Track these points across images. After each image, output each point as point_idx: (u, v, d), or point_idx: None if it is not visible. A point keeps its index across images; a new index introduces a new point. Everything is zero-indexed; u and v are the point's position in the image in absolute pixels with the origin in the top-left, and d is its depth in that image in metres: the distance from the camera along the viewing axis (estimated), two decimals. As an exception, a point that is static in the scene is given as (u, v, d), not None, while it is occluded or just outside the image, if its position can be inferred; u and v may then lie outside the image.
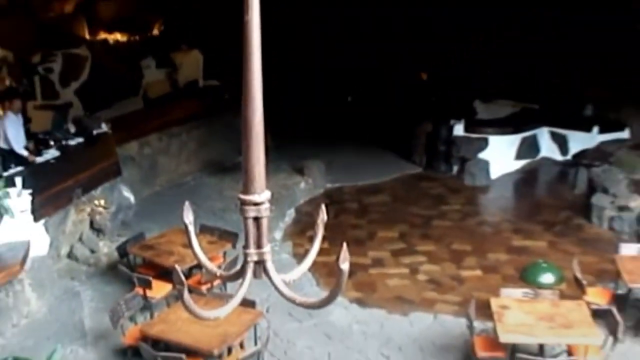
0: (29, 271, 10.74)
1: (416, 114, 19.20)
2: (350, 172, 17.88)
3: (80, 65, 15.92)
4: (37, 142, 13.00)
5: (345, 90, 22.76)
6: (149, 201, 15.32)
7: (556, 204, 15.84)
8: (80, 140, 13.81)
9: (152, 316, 10.34)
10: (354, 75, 21.94)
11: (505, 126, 18.22)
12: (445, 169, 18.17)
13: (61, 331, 10.37)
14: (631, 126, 18.21)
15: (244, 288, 3.43)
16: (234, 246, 11.54)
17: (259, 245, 3.36)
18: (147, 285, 10.42)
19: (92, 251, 12.96)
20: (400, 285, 12.27)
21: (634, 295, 10.39)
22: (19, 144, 12.21)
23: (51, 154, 12.93)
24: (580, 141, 18.06)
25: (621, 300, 10.40)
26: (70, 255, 12.80)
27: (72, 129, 14.08)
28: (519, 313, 9.15)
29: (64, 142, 13.40)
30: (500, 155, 17.75)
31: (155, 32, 19.05)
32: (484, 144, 17.77)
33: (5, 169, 11.85)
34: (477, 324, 9.68)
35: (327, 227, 3.73)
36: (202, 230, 11.74)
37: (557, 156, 18.48)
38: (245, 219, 3.32)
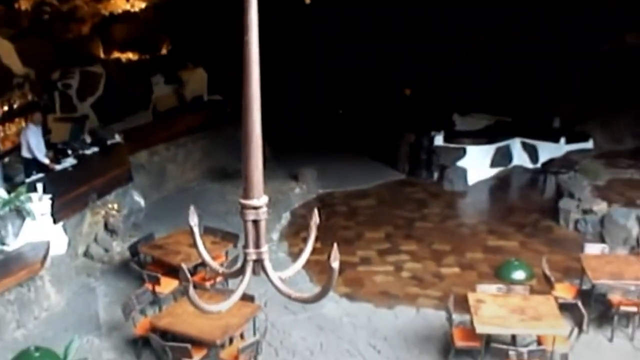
0: (49, 268, 10.71)
1: (400, 125, 19.21)
2: (341, 178, 17.84)
3: (95, 81, 15.91)
4: (56, 151, 12.98)
5: (344, 91, 22.36)
6: (158, 205, 15.26)
7: (527, 207, 15.85)
8: (96, 149, 13.79)
9: (160, 309, 10.31)
10: (353, 76, 21.68)
11: (481, 137, 18.27)
12: (426, 176, 18.16)
13: (78, 323, 10.32)
14: (595, 137, 18.32)
15: (244, 284, 3.43)
16: (235, 246, 11.51)
17: (257, 245, 3.37)
18: (156, 281, 10.40)
19: (106, 250, 12.91)
20: (386, 281, 12.25)
21: (597, 290, 10.39)
22: (42, 153, 12.20)
23: (69, 162, 12.91)
24: (548, 151, 18.13)
25: (586, 295, 10.43)
26: (86, 254, 12.75)
27: (88, 140, 14.06)
28: (493, 306, 9.16)
29: (80, 152, 13.37)
30: (477, 163, 17.77)
31: (164, 51, 19.03)
32: (461, 153, 17.80)
33: (28, 175, 11.84)
34: (456, 317, 9.67)
35: (319, 228, 3.74)
36: (206, 231, 11.70)
37: (528, 164, 18.50)
38: (245, 221, 3.33)
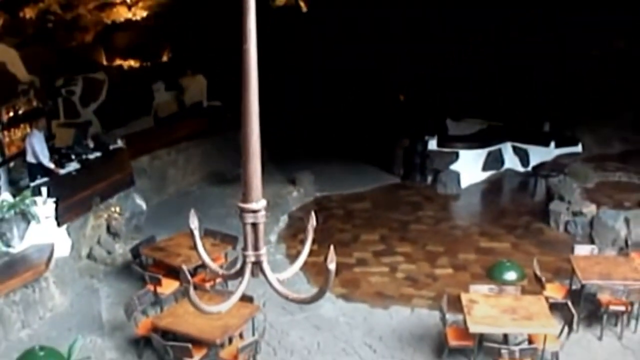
0: (53, 270, 10.68)
1: (395, 130, 19.22)
2: (337, 182, 17.85)
3: (98, 88, 15.91)
4: (60, 156, 12.98)
5: (342, 93, 22.17)
6: (159, 208, 15.24)
7: (518, 210, 15.87)
8: (99, 154, 13.76)
9: (161, 310, 10.30)
10: (350, 78, 21.57)
11: (474, 141, 18.29)
12: (420, 180, 18.17)
13: (81, 323, 10.29)
14: (584, 142, 18.35)
15: (243, 285, 3.42)
16: (234, 248, 11.51)
17: (256, 248, 3.36)
18: (158, 282, 10.38)
19: (109, 252, 12.89)
20: (381, 282, 12.25)
21: (586, 290, 10.40)
22: (46, 157, 12.18)
23: (73, 166, 12.90)
24: (539, 154, 18.17)
25: (575, 295, 10.44)
26: (89, 256, 12.72)
27: (91, 145, 14.03)
28: (485, 306, 9.16)
29: (84, 156, 13.36)
30: (469, 167, 17.80)
31: (165, 59, 19.02)
32: (454, 157, 17.83)
33: (32, 179, 11.83)
34: (449, 316, 9.68)
35: (316, 231, 3.73)
36: (206, 234, 11.68)
37: (519, 168, 18.53)
38: (244, 224, 3.33)
